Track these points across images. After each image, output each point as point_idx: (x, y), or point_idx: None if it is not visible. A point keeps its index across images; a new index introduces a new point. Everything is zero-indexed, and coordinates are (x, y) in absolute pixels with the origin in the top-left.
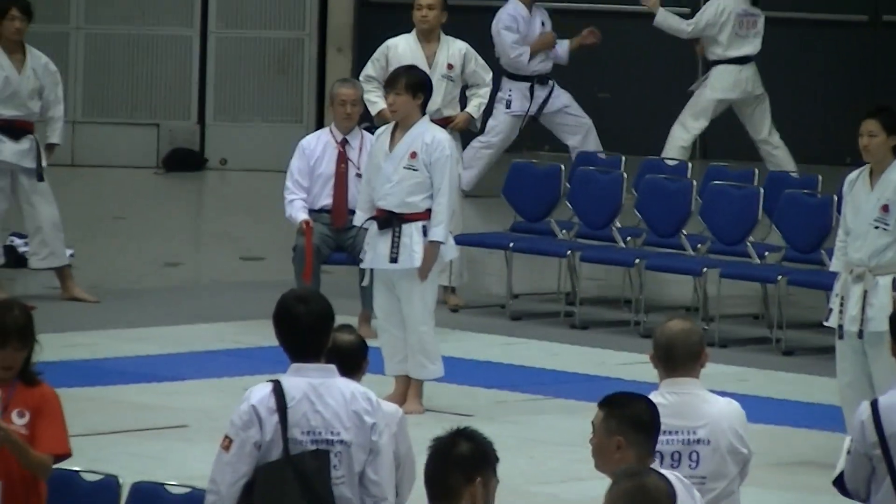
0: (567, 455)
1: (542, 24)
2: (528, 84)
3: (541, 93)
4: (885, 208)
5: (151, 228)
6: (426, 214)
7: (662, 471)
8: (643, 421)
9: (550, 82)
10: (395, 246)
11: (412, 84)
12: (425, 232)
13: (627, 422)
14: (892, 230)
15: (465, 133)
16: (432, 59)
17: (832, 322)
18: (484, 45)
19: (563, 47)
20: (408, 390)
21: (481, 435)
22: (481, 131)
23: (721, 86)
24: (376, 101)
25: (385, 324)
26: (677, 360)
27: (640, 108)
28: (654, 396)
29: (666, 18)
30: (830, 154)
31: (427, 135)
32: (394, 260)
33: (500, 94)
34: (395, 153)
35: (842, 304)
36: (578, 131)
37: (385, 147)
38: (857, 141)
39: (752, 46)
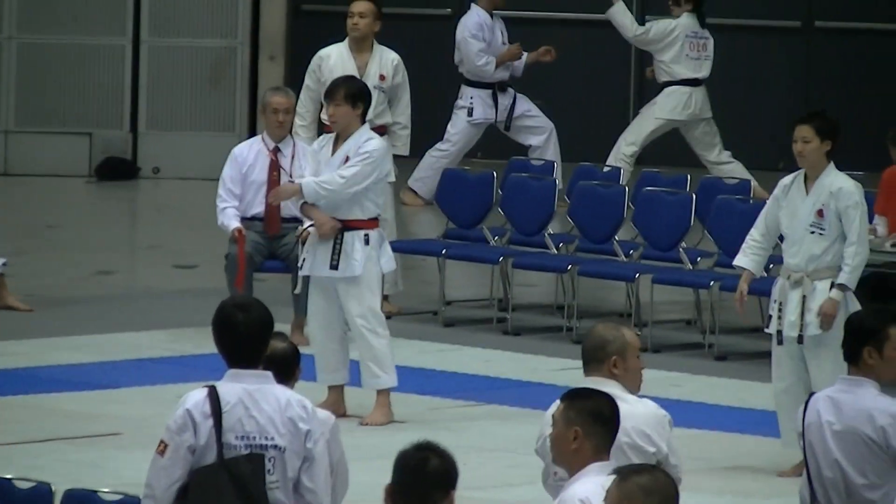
0: (500, 461)
1: (501, 32)
2: (490, 91)
3: (504, 100)
4: (821, 213)
5: (84, 237)
6: (368, 223)
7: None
8: (602, 414)
9: (510, 90)
10: (336, 253)
11: (352, 94)
12: (367, 241)
13: (586, 413)
14: (828, 235)
15: (423, 144)
16: (364, 70)
17: (772, 328)
18: (416, 52)
19: (520, 60)
20: (340, 399)
21: (444, 448)
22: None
23: (669, 107)
24: (300, 132)
25: (319, 333)
26: (586, 360)
27: (574, 115)
28: None
29: (620, 13)
30: (763, 159)
31: (362, 138)
32: (334, 267)
33: (460, 102)
34: (333, 161)
35: (780, 310)
36: (541, 132)
37: (327, 155)
38: (790, 146)
39: (703, 69)
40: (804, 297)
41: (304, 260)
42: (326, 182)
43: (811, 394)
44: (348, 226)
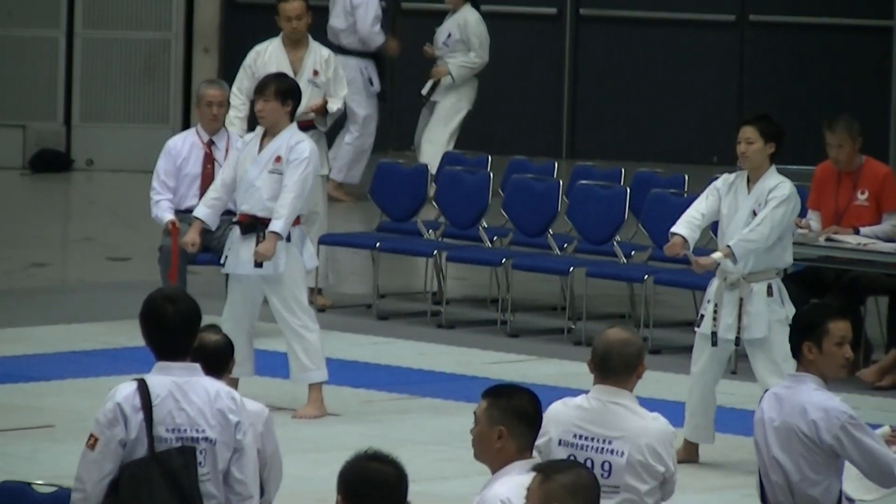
0: (433, 454)
1: None
2: (373, 61)
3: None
4: (755, 214)
5: (18, 229)
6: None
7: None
8: (526, 412)
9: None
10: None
11: (281, 91)
12: (289, 238)
13: (511, 412)
14: None
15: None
16: (299, 65)
17: (705, 329)
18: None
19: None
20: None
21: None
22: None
23: (472, 98)
24: (234, 122)
25: (228, 325)
26: (611, 368)
27: (505, 108)
28: (579, 401)
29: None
30: (697, 153)
31: (292, 140)
32: (258, 265)
33: (353, 75)
34: (260, 158)
35: (715, 311)
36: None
37: (254, 152)
38: (723, 140)
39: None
40: (741, 299)
41: (226, 258)
42: (283, 213)
43: (766, 390)
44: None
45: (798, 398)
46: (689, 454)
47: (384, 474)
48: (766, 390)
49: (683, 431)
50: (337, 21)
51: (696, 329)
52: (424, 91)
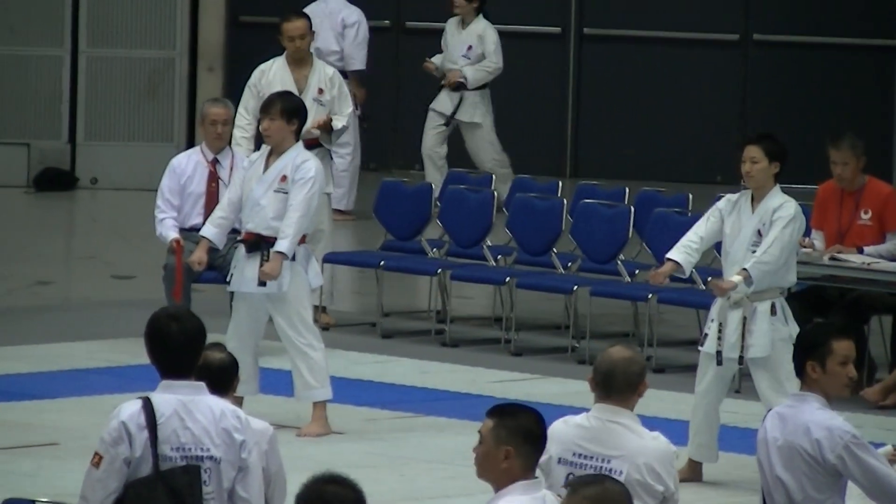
0: (437, 472)
1: None
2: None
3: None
4: (760, 234)
5: (22, 247)
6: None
7: (548, 492)
8: (532, 433)
9: None
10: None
11: (287, 110)
12: (294, 257)
13: (518, 432)
14: None
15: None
16: (304, 83)
17: (709, 348)
18: None
19: None
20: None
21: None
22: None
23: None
24: (241, 142)
25: (233, 343)
26: (614, 387)
27: (509, 127)
28: (580, 419)
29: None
30: (701, 172)
31: (298, 159)
32: (262, 284)
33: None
34: (266, 177)
35: (719, 330)
36: None
37: (259, 171)
38: (727, 159)
39: None
40: (745, 318)
41: (231, 275)
42: (288, 233)
43: (769, 410)
44: (274, 242)
45: (801, 417)
46: (694, 473)
47: (341, 497)
48: (770, 409)
49: (687, 450)
50: (324, 43)
51: (699, 348)
52: (446, 109)
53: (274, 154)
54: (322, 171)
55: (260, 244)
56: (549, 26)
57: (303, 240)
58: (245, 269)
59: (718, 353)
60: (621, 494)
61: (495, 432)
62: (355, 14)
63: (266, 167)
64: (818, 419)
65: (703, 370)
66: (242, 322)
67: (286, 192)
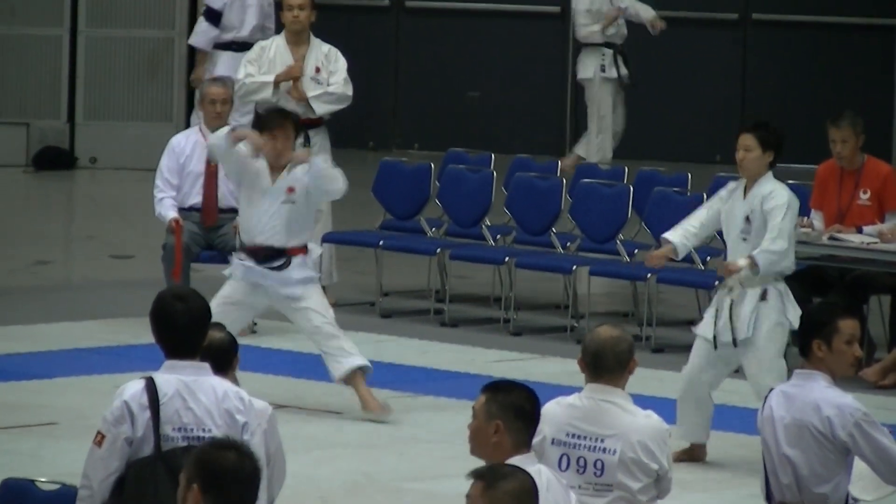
0: (437, 452)
1: None
2: None
3: None
4: (748, 219)
5: (21, 227)
6: (304, 250)
7: (543, 466)
8: (524, 408)
9: None
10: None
11: (285, 126)
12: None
13: (508, 407)
14: (752, 241)
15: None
16: (302, 62)
17: (705, 333)
18: (351, 45)
19: None
20: None
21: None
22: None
23: None
24: (265, 79)
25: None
26: (604, 367)
27: (508, 107)
28: (572, 399)
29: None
30: (701, 152)
31: (299, 169)
32: (278, 268)
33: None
34: (275, 189)
35: (716, 317)
36: None
37: (267, 185)
38: (727, 138)
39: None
40: (732, 301)
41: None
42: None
43: (770, 389)
44: (287, 254)
45: (810, 395)
46: (698, 454)
47: (241, 465)
48: (772, 389)
49: (677, 431)
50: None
51: (693, 329)
52: (625, 74)
53: (276, 169)
54: (327, 143)
55: (273, 257)
56: (547, 5)
57: (304, 250)
58: (268, 276)
59: (715, 338)
60: (534, 487)
61: (486, 407)
62: None
63: (272, 178)
64: (828, 397)
65: (693, 351)
66: (232, 299)
67: (293, 203)
